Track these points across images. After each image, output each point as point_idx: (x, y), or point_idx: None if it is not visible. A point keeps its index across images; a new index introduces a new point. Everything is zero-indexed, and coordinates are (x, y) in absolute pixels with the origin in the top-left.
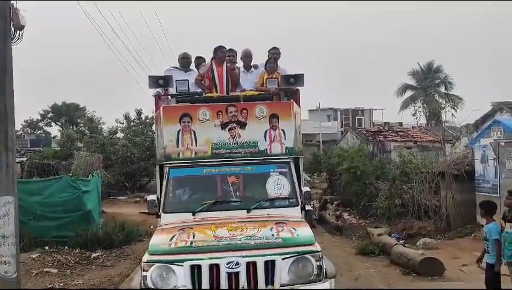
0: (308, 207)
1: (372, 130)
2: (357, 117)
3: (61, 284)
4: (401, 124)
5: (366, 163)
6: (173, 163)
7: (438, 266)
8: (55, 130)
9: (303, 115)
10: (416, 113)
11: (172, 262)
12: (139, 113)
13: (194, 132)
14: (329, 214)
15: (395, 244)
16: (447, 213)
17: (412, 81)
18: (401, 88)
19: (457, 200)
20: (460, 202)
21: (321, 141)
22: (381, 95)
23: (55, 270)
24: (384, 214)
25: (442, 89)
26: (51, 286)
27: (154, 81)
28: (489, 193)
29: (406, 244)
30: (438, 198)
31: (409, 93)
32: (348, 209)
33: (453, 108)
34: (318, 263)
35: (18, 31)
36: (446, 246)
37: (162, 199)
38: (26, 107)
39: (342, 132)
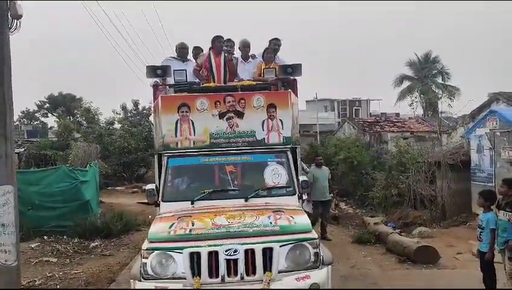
0: (305, 197)
1: (369, 120)
2: (354, 108)
3: (61, 273)
4: (398, 114)
5: (363, 153)
6: (171, 152)
7: (433, 254)
8: (51, 121)
9: (300, 106)
10: (413, 103)
11: (171, 249)
12: (136, 104)
13: (192, 121)
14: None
15: (391, 233)
16: (443, 202)
17: (409, 71)
18: (398, 79)
19: (452, 190)
20: (455, 192)
21: (318, 132)
22: (378, 85)
23: (55, 260)
24: (380, 203)
25: (440, 80)
26: (50, 274)
27: (152, 71)
28: (484, 183)
29: (402, 233)
30: (433, 188)
31: (406, 83)
32: (344, 199)
33: (450, 98)
34: (315, 250)
35: (16, 21)
36: (441, 234)
37: (161, 188)
38: (23, 98)
39: (339, 122)
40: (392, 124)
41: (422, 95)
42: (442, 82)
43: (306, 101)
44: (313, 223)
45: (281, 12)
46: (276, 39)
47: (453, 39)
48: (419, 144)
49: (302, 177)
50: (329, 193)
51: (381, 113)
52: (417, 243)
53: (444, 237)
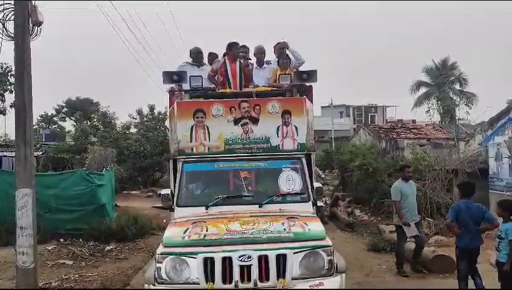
0: (319, 203)
1: (385, 127)
2: (370, 114)
3: (76, 276)
4: (414, 121)
5: (378, 160)
6: (186, 158)
7: (450, 263)
8: (69, 125)
9: (315, 111)
10: (429, 110)
11: (186, 254)
12: (151, 108)
13: (207, 127)
14: (340, 211)
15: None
16: None
17: (426, 78)
18: (415, 85)
19: None
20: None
21: (333, 138)
22: (395, 92)
23: (70, 262)
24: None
25: (457, 86)
26: (66, 276)
27: (169, 76)
28: (502, 191)
29: None
30: (450, 196)
31: (422, 90)
32: (359, 206)
33: (467, 105)
34: (329, 257)
35: (36, 27)
36: None
37: (176, 193)
38: (42, 102)
39: (354, 128)
40: (408, 131)
41: (439, 102)
42: (460, 88)
43: (321, 107)
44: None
45: (296, 17)
46: (280, 43)
47: (471, 44)
48: (436, 151)
49: (316, 184)
50: (418, 213)
51: (398, 119)
52: (433, 252)
53: None
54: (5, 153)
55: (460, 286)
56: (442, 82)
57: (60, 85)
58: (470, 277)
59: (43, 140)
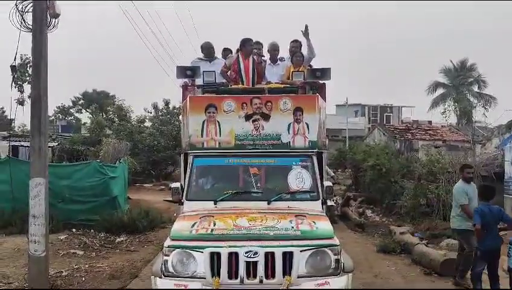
0: (330, 202)
1: (400, 127)
2: (385, 114)
3: (87, 266)
4: (430, 122)
5: (392, 161)
6: (197, 152)
7: None
8: (85, 117)
9: (330, 110)
10: (445, 112)
11: (192, 248)
12: (166, 103)
13: (218, 122)
14: (352, 211)
15: (417, 243)
16: None
17: (443, 79)
18: (432, 86)
19: None
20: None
21: (347, 137)
22: (411, 92)
23: (81, 252)
24: (408, 213)
25: (475, 88)
26: (77, 266)
27: (182, 71)
28: None
29: (429, 245)
30: None
31: (440, 91)
32: (371, 206)
33: (484, 107)
34: (336, 256)
35: (54, 19)
36: None
37: (185, 187)
38: (59, 94)
39: (369, 128)
40: (423, 132)
41: (456, 104)
42: (478, 90)
43: (336, 106)
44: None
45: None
46: (295, 41)
47: (491, 45)
48: (451, 154)
49: (326, 183)
50: None
51: (413, 120)
52: (444, 256)
53: None
54: (22, 143)
55: (476, 286)
56: (460, 83)
57: (78, 77)
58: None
59: (59, 131)
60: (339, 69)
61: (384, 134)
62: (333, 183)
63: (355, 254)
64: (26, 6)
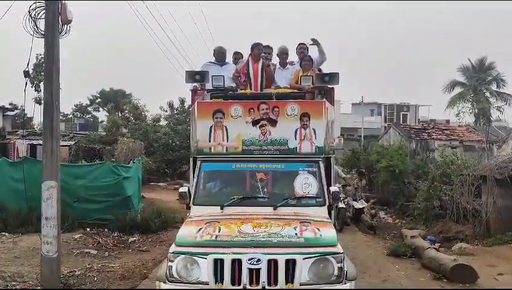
0: (341, 205)
1: (416, 127)
2: (401, 113)
3: (99, 265)
4: (448, 121)
5: (406, 162)
6: (205, 157)
7: (471, 273)
8: (102, 115)
9: (346, 109)
10: (459, 114)
11: (196, 254)
12: (182, 101)
13: (226, 127)
14: (364, 213)
15: (428, 247)
16: (487, 218)
17: (461, 77)
18: (450, 84)
19: (498, 206)
20: (501, 208)
21: (362, 136)
22: (429, 90)
23: (95, 252)
24: (421, 215)
25: (494, 87)
26: (89, 266)
27: (191, 76)
28: None
29: (442, 248)
30: (478, 202)
31: (457, 90)
32: (385, 208)
33: (498, 109)
34: (339, 264)
35: (66, 25)
36: (483, 252)
37: (193, 192)
38: (77, 92)
39: (385, 127)
40: (440, 132)
41: (474, 103)
42: (497, 89)
43: (352, 104)
44: None
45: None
46: (302, 43)
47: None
48: (468, 154)
49: (333, 188)
50: None
51: (430, 119)
52: (454, 261)
53: (485, 255)
54: (40, 142)
55: None
56: (479, 82)
57: (95, 76)
58: None
59: (77, 129)
60: (355, 68)
61: (399, 134)
62: (344, 186)
63: (365, 257)
64: (38, 13)
